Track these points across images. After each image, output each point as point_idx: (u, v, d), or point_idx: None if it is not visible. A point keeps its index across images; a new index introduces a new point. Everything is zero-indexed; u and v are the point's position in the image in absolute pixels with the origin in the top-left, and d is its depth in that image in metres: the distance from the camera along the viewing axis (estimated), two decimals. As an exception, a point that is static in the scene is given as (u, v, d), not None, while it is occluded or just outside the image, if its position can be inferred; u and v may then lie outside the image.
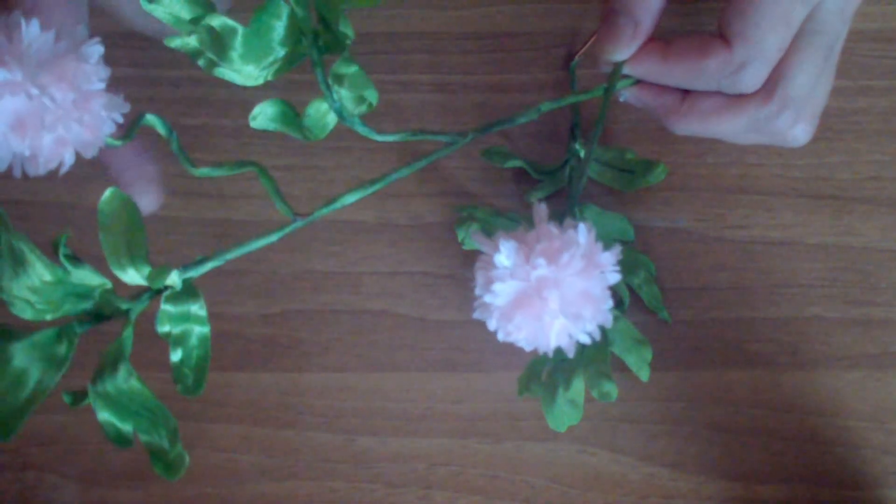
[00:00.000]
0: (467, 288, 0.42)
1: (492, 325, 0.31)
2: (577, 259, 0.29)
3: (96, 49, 0.28)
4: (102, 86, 0.28)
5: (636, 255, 0.41)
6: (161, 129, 0.31)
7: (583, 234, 0.30)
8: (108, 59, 0.28)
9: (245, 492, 0.41)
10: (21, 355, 0.28)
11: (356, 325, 0.42)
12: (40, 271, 0.27)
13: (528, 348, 0.31)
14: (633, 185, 0.41)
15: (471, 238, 0.39)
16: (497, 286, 0.30)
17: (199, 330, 0.31)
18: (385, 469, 0.41)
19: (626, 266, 0.40)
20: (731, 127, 0.35)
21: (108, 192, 0.28)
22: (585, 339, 0.30)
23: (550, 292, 0.29)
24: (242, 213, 0.43)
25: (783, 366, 0.41)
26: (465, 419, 0.41)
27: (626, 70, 0.35)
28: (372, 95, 0.33)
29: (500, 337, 0.31)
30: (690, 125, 0.36)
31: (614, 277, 0.30)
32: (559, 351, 0.33)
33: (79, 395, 0.29)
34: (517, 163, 0.42)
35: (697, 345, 0.41)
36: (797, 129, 0.35)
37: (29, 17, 0.27)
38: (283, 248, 0.43)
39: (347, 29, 0.31)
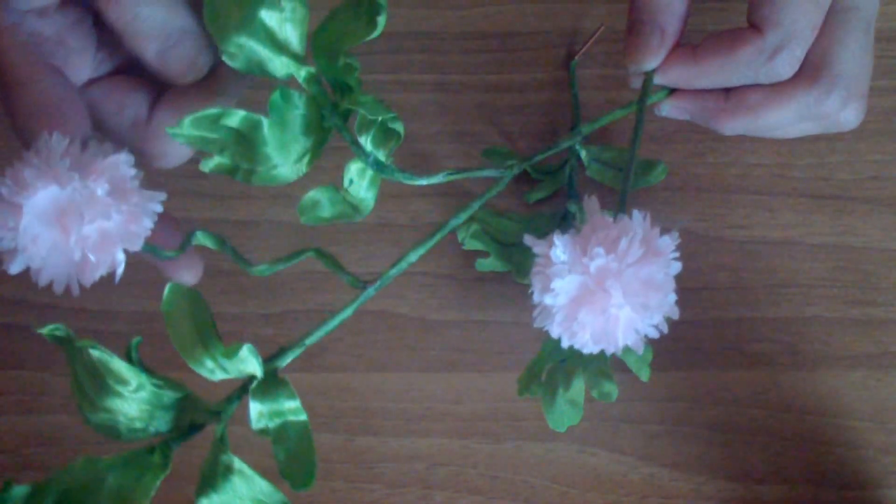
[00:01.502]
0: (467, 288, 0.42)
1: (554, 330, 0.30)
2: (636, 245, 0.28)
3: (125, 157, 0.27)
4: (136, 183, 0.27)
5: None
6: (213, 245, 0.31)
7: (638, 220, 0.29)
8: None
9: (245, 492, 0.41)
10: (114, 475, 0.27)
11: (356, 325, 0.42)
12: (124, 376, 0.27)
13: (594, 349, 0.29)
14: (633, 185, 0.41)
15: (471, 238, 0.38)
16: (556, 283, 0.29)
17: (296, 420, 0.29)
18: (385, 469, 0.41)
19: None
20: (782, 116, 0.34)
21: (168, 290, 0.28)
22: (654, 333, 0.29)
23: (612, 283, 0.28)
24: (242, 214, 0.43)
25: (783, 366, 0.41)
26: (465, 419, 0.41)
27: (657, 80, 0.35)
28: (397, 125, 0.32)
29: (565, 342, 0.30)
30: (739, 122, 0.35)
31: (676, 266, 0.29)
32: (559, 351, 0.33)
33: None
34: (517, 163, 0.42)
35: (697, 345, 0.41)
36: (848, 111, 0.34)
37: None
38: (284, 248, 0.43)
39: (352, 60, 0.30)
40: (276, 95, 0.30)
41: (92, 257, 0.27)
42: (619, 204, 0.34)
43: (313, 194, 0.33)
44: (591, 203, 0.30)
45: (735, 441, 0.41)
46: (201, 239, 0.31)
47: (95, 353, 0.27)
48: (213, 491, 0.27)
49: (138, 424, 0.28)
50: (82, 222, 0.26)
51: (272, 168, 0.31)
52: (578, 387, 0.33)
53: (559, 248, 0.29)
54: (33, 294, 0.42)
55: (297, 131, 0.31)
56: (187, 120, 0.28)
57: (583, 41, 0.44)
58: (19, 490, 0.26)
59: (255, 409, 0.29)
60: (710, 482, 0.40)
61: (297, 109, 0.30)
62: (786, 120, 0.34)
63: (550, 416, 0.34)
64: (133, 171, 0.27)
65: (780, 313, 0.42)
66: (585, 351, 0.30)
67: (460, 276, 0.42)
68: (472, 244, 0.39)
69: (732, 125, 0.35)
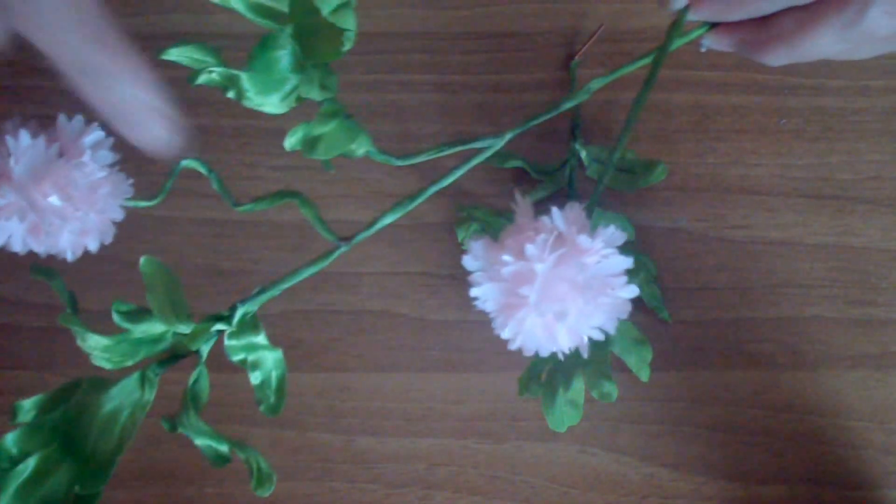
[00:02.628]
0: (467, 288, 0.42)
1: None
2: (548, 247, 0.25)
3: (97, 136, 0.27)
4: (105, 174, 0.27)
5: (637, 256, 0.41)
6: (202, 170, 0.31)
7: (557, 219, 0.26)
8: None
9: (245, 492, 0.41)
10: (110, 403, 0.29)
11: (356, 325, 0.42)
12: (97, 341, 0.29)
13: (542, 353, 0.28)
14: (633, 185, 0.41)
15: (471, 238, 0.38)
16: (474, 291, 0.27)
17: (271, 354, 0.32)
18: (385, 469, 0.41)
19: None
20: (819, 41, 0.32)
21: (143, 259, 0.28)
22: (598, 335, 0.27)
23: (527, 288, 0.26)
24: (242, 214, 0.43)
25: (783, 366, 0.41)
26: (465, 419, 0.41)
27: (691, 16, 0.33)
28: (365, 142, 0.33)
29: (511, 346, 0.28)
30: (780, 52, 0.33)
31: (616, 262, 0.26)
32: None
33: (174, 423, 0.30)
34: (517, 163, 0.42)
35: (697, 345, 0.41)
36: None
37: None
38: (283, 247, 0.43)
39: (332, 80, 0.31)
40: (259, 45, 0.30)
41: (67, 253, 0.27)
42: (619, 142, 0.32)
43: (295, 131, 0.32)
44: (521, 204, 0.27)
45: (735, 441, 0.41)
46: (190, 164, 0.31)
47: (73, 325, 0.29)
48: (183, 419, 0.30)
49: (124, 358, 0.30)
50: (54, 234, 0.27)
51: (258, 104, 0.31)
52: (578, 387, 0.33)
53: (471, 256, 0.27)
54: (33, 294, 0.42)
55: (284, 70, 0.31)
56: (173, 49, 0.28)
57: (583, 41, 0.44)
58: (28, 403, 0.29)
59: (231, 346, 0.31)
60: (710, 482, 0.40)
61: (284, 49, 0.30)
62: (825, 44, 0.32)
63: (550, 416, 0.34)
64: (106, 157, 0.27)
65: (780, 313, 0.42)
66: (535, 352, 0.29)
67: (460, 276, 0.42)
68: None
69: (773, 55, 0.33)
